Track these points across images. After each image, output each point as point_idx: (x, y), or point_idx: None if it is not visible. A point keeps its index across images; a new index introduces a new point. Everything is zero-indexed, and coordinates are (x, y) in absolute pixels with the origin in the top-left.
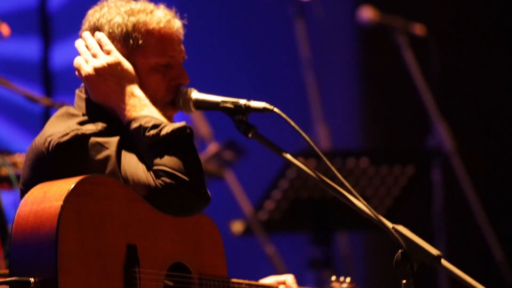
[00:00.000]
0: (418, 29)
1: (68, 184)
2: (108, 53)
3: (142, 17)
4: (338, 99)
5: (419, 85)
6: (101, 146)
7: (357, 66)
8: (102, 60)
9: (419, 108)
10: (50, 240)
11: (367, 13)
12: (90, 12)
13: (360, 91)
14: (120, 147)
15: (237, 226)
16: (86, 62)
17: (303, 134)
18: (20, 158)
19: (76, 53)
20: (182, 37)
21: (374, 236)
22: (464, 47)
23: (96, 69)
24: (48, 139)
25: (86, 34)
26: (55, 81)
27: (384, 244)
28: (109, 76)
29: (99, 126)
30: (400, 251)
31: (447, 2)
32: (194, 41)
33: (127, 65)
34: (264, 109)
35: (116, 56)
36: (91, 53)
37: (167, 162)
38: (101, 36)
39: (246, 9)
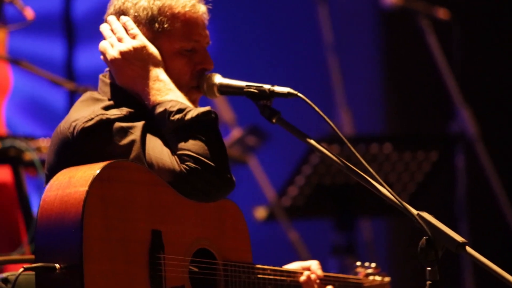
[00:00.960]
0: (442, 13)
1: (93, 169)
2: (133, 37)
3: (167, 1)
4: (361, 84)
5: (442, 70)
6: (126, 131)
7: (380, 50)
8: (128, 44)
9: (442, 93)
10: (76, 226)
11: None
12: None
13: (383, 76)
14: (145, 132)
15: (260, 212)
16: (112, 46)
17: (327, 119)
18: (44, 143)
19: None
20: (207, 22)
21: (397, 222)
22: (487, 32)
23: (122, 53)
24: (73, 124)
25: (111, 18)
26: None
27: (407, 230)
28: (135, 60)
29: (124, 111)
30: (424, 238)
31: None
32: (218, 27)
33: (153, 49)
34: (289, 94)
35: (141, 40)
36: (117, 37)
37: (192, 146)
38: (127, 19)
39: None
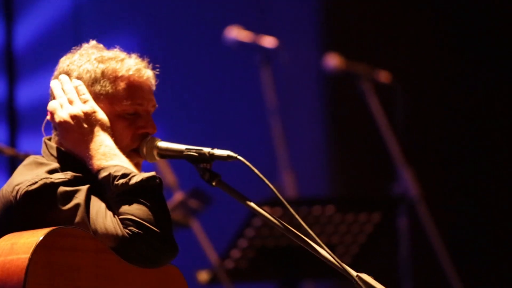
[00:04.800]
0: (383, 76)
1: (36, 236)
2: (84, 102)
3: (111, 64)
4: (304, 146)
5: (384, 132)
6: (71, 195)
7: (323, 113)
8: (78, 108)
9: (385, 155)
10: None
11: (332, 60)
12: (62, 59)
13: (326, 138)
14: (89, 196)
15: (203, 276)
16: (61, 107)
17: (268, 182)
18: None
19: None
20: (153, 87)
21: (341, 284)
22: (429, 94)
23: (71, 116)
24: (16, 188)
25: (63, 77)
26: (21, 120)
27: None
28: (83, 125)
29: (68, 175)
30: None
31: (411, 49)
32: (160, 89)
33: (102, 115)
34: (228, 157)
35: (92, 105)
36: (68, 98)
37: (135, 211)
38: (79, 83)
39: (212, 56)
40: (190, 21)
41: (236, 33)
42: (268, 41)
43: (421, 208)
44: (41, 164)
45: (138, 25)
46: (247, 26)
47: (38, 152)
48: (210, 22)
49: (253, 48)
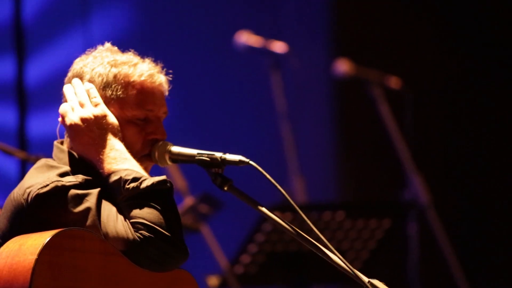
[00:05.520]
0: (394, 82)
1: (43, 237)
2: (96, 105)
3: (124, 69)
4: (314, 151)
5: (394, 138)
6: (82, 198)
7: (333, 118)
8: (89, 111)
9: (395, 161)
10: None
11: (342, 66)
12: (76, 60)
13: (336, 144)
14: (100, 199)
15: (213, 281)
16: (73, 110)
17: (279, 187)
18: None
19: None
20: (166, 92)
21: None
22: (439, 100)
23: (82, 119)
24: (28, 190)
25: (76, 81)
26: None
27: None
28: (94, 128)
29: (79, 178)
30: None
31: (422, 55)
32: (171, 95)
33: (113, 119)
34: (240, 161)
35: (103, 109)
36: (79, 101)
37: (146, 215)
38: (91, 86)
39: (222, 61)
40: (201, 25)
41: (247, 38)
42: (278, 46)
43: (430, 214)
44: (52, 167)
45: (149, 32)
46: (257, 31)
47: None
48: (221, 27)
49: (263, 53)
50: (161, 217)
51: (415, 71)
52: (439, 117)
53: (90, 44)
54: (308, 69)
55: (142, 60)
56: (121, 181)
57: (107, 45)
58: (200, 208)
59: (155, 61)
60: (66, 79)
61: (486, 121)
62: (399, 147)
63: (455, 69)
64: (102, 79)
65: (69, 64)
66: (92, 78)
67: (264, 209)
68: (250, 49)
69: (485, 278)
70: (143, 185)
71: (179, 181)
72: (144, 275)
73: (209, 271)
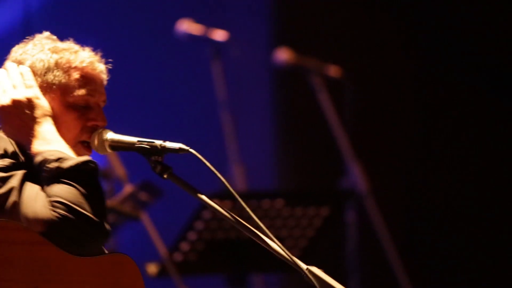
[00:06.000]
0: (333, 71)
1: None
2: (28, 87)
3: (65, 55)
4: (254, 140)
5: (334, 126)
6: (4, 180)
7: (273, 107)
8: (21, 93)
9: (334, 149)
10: None
11: (283, 54)
12: (15, 48)
13: (276, 132)
14: (24, 181)
15: (152, 268)
16: (4, 92)
17: (219, 175)
18: None
19: None
20: (105, 81)
21: (289, 278)
22: (378, 89)
23: (13, 101)
24: None
25: (10, 64)
26: None
27: (300, 286)
28: (25, 110)
29: (6, 161)
30: None
31: (361, 44)
32: (111, 82)
33: (44, 102)
34: (180, 149)
35: (35, 91)
36: (12, 83)
37: (65, 194)
38: (26, 70)
39: (162, 49)
40: (142, 13)
41: (187, 26)
42: (219, 35)
43: (369, 202)
44: None
45: (90, 20)
46: (198, 19)
47: None
48: (162, 15)
49: (204, 41)
50: (81, 196)
51: (355, 60)
52: (378, 106)
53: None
54: (249, 58)
55: (82, 48)
56: (45, 161)
57: (46, 33)
58: (139, 195)
59: (95, 49)
60: (4, 66)
61: (425, 109)
62: (338, 136)
63: (394, 58)
64: (43, 65)
65: (9, 36)
66: (33, 64)
67: (203, 197)
68: (191, 37)
69: (422, 267)
70: (65, 164)
71: (119, 169)
72: (78, 262)
73: (148, 258)
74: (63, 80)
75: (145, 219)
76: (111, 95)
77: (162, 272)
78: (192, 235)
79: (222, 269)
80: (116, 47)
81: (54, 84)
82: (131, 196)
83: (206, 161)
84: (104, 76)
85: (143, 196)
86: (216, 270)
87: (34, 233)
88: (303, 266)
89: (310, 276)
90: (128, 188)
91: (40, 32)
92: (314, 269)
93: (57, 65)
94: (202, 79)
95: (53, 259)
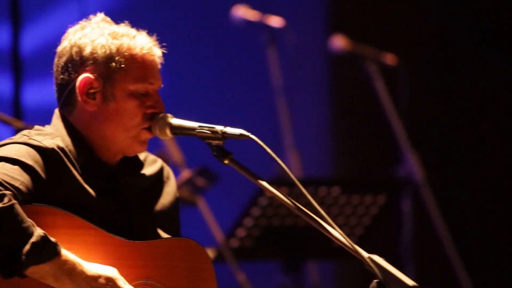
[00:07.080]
0: (389, 59)
1: None
2: None
3: (125, 41)
4: (309, 127)
5: (389, 114)
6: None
7: (328, 94)
8: None
9: (389, 137)
10: None
11: (338, 42)
12: (71, 30)
13: (331, 119)
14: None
15: (209, 253)
16: None
17: (279, 160)
18: None
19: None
20: (160, 66)
21: (344, 265)
22: (434, 77)
23: None
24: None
25: None
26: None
27: (354, 274)
28: None
29: (52, 144)
30: (375, 281)
31: (418, 32)
32: (168, 69)
33: None
34: (241, 135)
35: None
36: None
37: None
38: None
39: (217, 36)
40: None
41: (243, 12)
42: (275, 21)
43: (425, 191)
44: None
45: (146, 17)
46: (254, 5)
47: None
48: (218, 1)
49: (260, 27)
50: None
51: (411, 48)
52: (434, 94)
53: (85, 13)
54: (304, 44)
55: (138, 32)
56: None
57: (101, 15)
58: (197, 181)
59: (150, 34)
60: (61, 48)
61: (483, 98)
62: (394, 124)
63: (451, 46)
64: (105, 51)
65: (65, 32)
66: (94, 50)
67: (264, 183)
68: (247, 23)
69: (478, 255)
70: None
71: (176, 154)
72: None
73: (204, 244)
74: (125, 68)
75: (201, 204)
76: (167, 81)
77: (218, 258)
78: (248, 221)
79: (278, 256)
80: (171, 33)
81: (115, 71)
82: (188, 182)
83: (267, 147)
84: (160, 61)
85: (200, 181)
86: (271, 256)
87: (75, 218)
88: (365, 254)
89: (372, 265)
90: (185, 174)
91: None
92: (376, 258)
93: (118, 52)
94: (258, 65)
95: (105, 243)
